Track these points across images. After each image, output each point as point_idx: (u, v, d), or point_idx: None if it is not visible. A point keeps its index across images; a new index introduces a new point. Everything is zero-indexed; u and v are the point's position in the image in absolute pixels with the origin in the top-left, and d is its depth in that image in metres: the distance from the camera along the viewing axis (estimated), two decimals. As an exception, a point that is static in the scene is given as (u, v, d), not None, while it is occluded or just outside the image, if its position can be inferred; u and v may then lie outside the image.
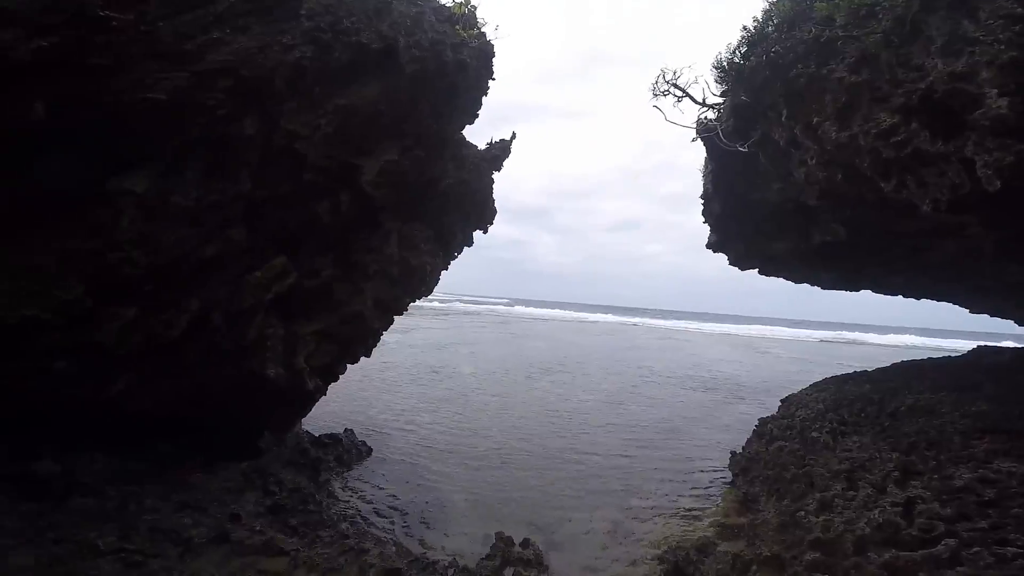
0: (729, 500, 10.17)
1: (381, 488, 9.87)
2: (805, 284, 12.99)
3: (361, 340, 9.61)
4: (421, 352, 28.41)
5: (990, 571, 4.74)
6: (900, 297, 11.86)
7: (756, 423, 12.53)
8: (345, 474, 10.29)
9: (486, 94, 8.21)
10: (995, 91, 3.97)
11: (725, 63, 8.32)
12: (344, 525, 7.89)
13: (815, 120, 6.40)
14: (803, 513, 7.03)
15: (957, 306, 11.63)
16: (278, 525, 6.96)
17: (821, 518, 6.53)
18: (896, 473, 7.01)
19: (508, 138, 9.28)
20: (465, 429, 14.37)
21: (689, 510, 9.69)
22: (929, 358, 12.72)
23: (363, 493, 9.57)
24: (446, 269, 10.03)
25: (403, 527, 8.40)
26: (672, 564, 7.03)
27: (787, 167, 7.92)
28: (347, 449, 11.01)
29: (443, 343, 33.67)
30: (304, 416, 11.32)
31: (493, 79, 8.18)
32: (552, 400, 19.16)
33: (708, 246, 12.35)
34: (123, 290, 6.13)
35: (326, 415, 13.66)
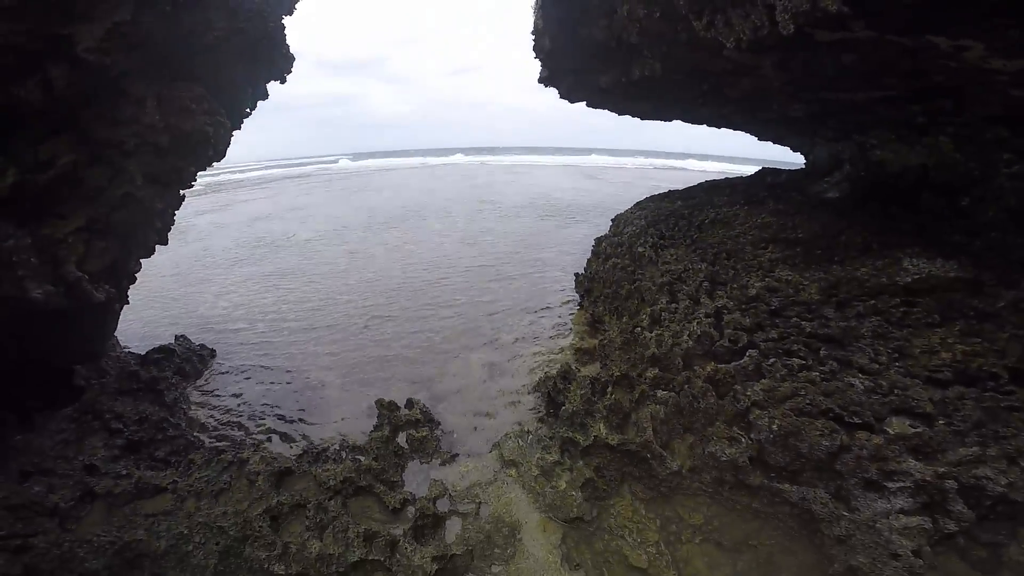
0: (580, 322, 11.12)
1: (240, 390, 9.15)
2: (627, 116, 13.48)
3: (147, 225, 7.88)
4: (244, 228, 25.05)
5: (785, 383, 5.39)
6: (705, 127, 13.04)
7: (592, 243, 13.39)
8: (194, 386, 9.32)
9: None
10: None
11: None
12: (215, 441, 7.39)
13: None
14: (639, 329, 7.69)
15: (749, 134, 13.21)
16: (145, 462, 6.40)
17: (654, 333, 7.14)
18: (706, 284, 7.87)
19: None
20: (315, 301, 13.39)
21: (551, 337, 10.44)
22: (726, 177, 14.55)
23: (222, 400, 8.83)
24: (238, 128, 8.26)
25: (278, 423, 8.01)
26: (546, 395, 7.59)
27: (612, 4, 7.47)
28: (185, 359, 9.85)
29: (269, 214, 30.01)
30: (112, 334, 9.64)
31: None
32: (407, 251, 18.53)
33: (540, 80, 11.91)
34: None
35: (146, 327, 12.04)
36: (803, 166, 12.44)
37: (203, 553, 4.87)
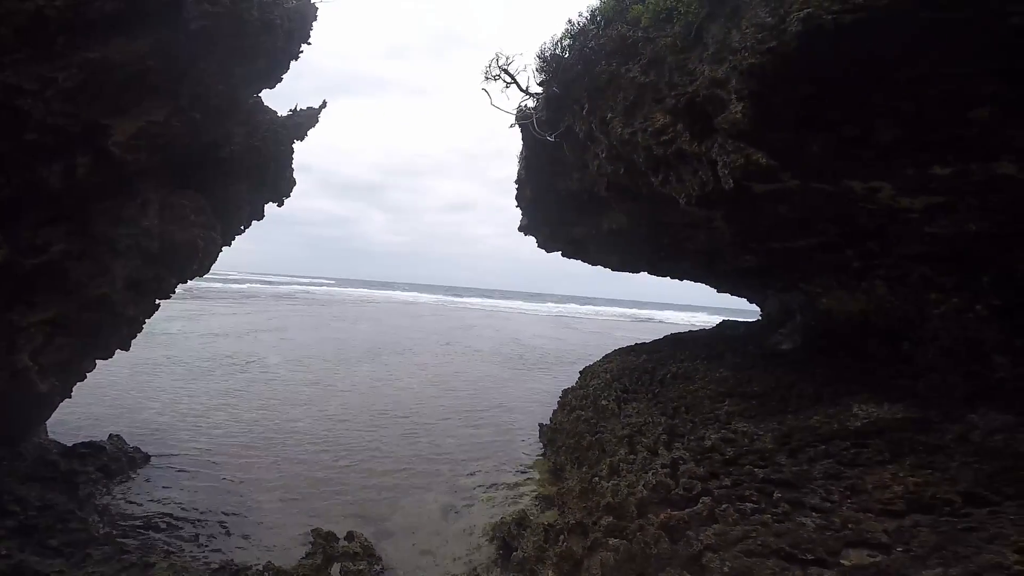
0: (542, 470, 11.05)
1: (169, 497, 8.68)
2: (599, 266, 14.64)
3: (113, 330, 7.90)
4: (215, 341, 24.88)
5: (737, 527, 5.40)
6: (669, 279, 14.22)
7: (560, 393, 13.69)
8: (116, 486, 8.88)
9: (296, 58, 7.29)
10: (734, 96, 4.69)
11: (547, 54, 8.63)
12: (122, 540, 6.80)
13: (608, 116, 7.02)
14: (597, 479, 7.69)
15: (708, 287, 14.40)
16: (32, 548, 5.95)
17: (611, 483, 7.17)
18: (664, 436, 8.07)
19: (317, 106, 8.37)
20: (273, 424, 13.07)
21: (511, 484, 10.29)
22: (689, 330, 15.38)
23: (142, 505, 8.32)
24: (228, 245, 8.77)
25: (199, 536, 7.47)
26: (500, 540, 7.40)
27: (584, 159, 8.66)
28: (114, 458, 9.51)
29: (245, 330, 29.89)
30: (42, 422, 9.51)
31: (309, 43, 7.33)
32: (376, 386, 18.48)
33: (520, 229, 13.05)
34: None
35: (84, 420, 11.60)
36: (758, 318, 13.26)
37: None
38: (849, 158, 4.57)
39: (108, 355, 8.94)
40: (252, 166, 7.75)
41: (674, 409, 8.99)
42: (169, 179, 6.96)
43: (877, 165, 4.54)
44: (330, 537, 7.16)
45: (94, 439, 9.83)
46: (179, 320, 29.62)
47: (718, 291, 14.39)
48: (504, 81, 9.30)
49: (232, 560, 6.57)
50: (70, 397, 9.43)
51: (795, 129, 4.44)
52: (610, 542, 5.83)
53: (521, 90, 9.47)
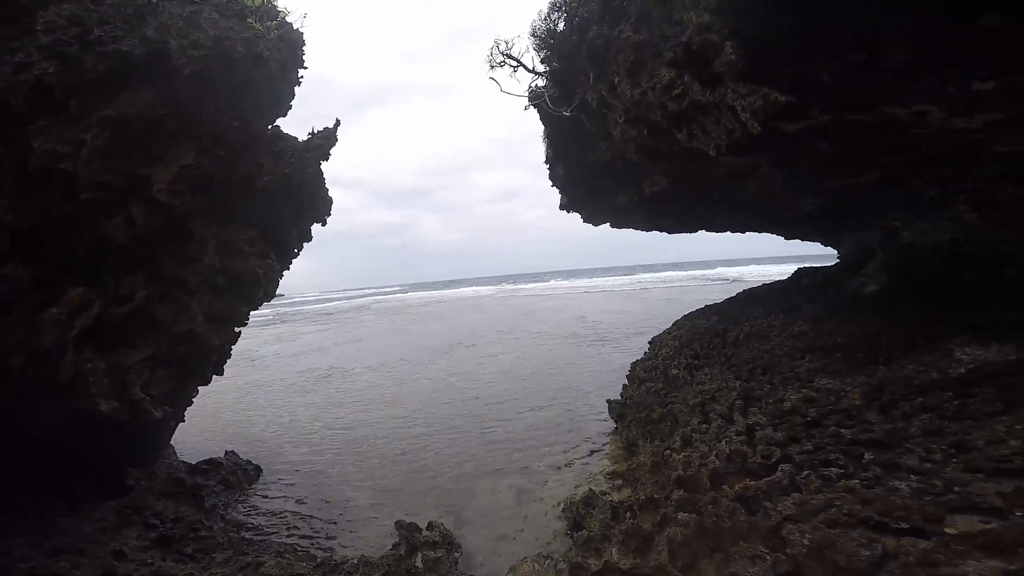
0: (614, 447, 10.92)
1: (279, 503, 9.65)
2: (654, 232, 14.06)
3: (204, 359, 8.80)
4: (305, 358, 27.03)
5: (820, 495, 5.00)
6: (731, 233, 13.36)
7: (629, 368, 13.37)
8: (235, 496, 9.93)
9: (298, 84, 7.67)
10: (724, 39, 4.31)
11: (540, 31, 8.43)
12: (242, 544, 7.68)
13: (615, 80, 6.71)
14: (669, 451, 7.42)
15: (776, 236, 13.37)
16: (172, 556, 6.80)
17: (683, 455, 6.86)
18: (739, 401, 7.59)
19: (331, 126, 8.74)
20: (360, 428, 14.06)
21: (584, 464, 10.31)
22: (762, 284, 14.32)
23: (259, 511, 9.30)
24: (287, 269, 9.39)
25: (306, 535, 8.29)
26: (570, 520, 7.43)
27: (606, 127, 8.31)
28: (231, 471, 10.57)
29: (328, 345, 32.14)
30: (165, 445, 10.80)
31: (304, 68, 7.66)
32: (450, 380, 19.17)
33: (561, 207, 12.84)
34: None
35: (204, 441, 13.11)
36: (837, 261, 12.14)
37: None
38: (870, 84, 4.02)
39: (206, 381, 9.95)
40: (288, 192, 8.24)
41: (749, 371, 8.43)
42: (217, 216, 7.59)
43: (909, 88, 3.96)
44: (413, 528, 7.55)
45: (214, 456, 10.98)
46: (272, 344, 32.57)
47: (786, 238, 13.32)
48: (510, 65, 9.13)
49: (331, 556, 7.18)
50: (183, 421, 10.78)
51: (797, 62, 3.97)
52: (680, 517, 5.57)
53: (529, 71, 9.24)
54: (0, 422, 6.67)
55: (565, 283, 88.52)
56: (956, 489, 4.45)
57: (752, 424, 6.69)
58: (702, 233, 13.99)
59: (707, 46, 4.72)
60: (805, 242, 13.70)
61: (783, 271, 18.32)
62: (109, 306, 7.29)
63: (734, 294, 14.45)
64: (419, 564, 6.67)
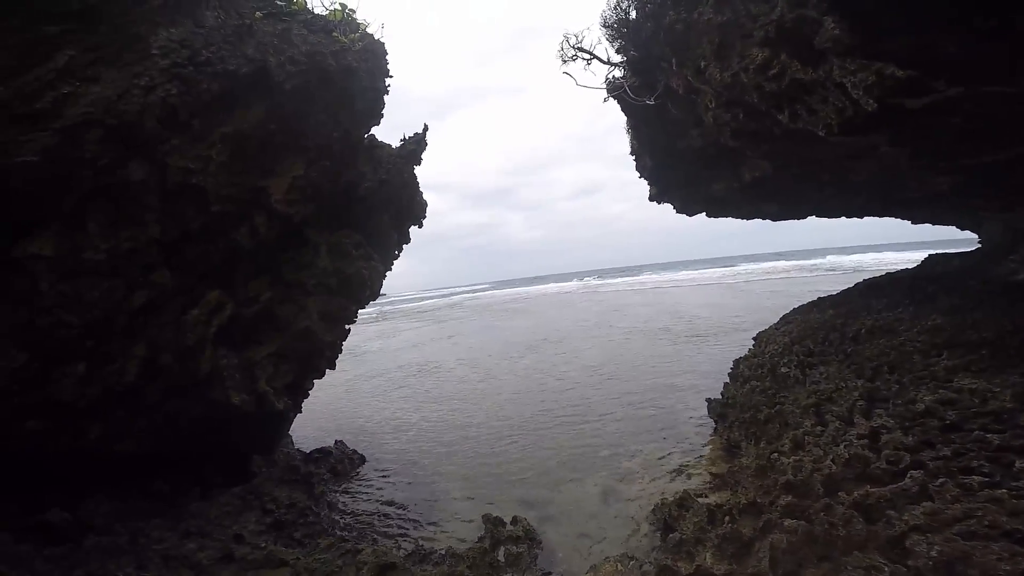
0: (713, 449, 10.27)
1: (378, 491, 10.13)
2: (755, 220, 13.12)
3: (319, 354, 9.68)
4: (404, 353, 28.46)
5: (957, 504, 4.53)
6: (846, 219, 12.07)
7: (731, 365, 12.64)
8: (341, 484, 10.53)
9: (386, 92, 8.15)
10: (824, 15, 3.92)
11: (610, 21, 8.22)
12: (343, 531, 8.24)
13: (701, 64, 6.38)
14: (777, 455, 6.99)
15: (899, 219, 11.84)
16: (283, 540, 7.38)
17: (792, 459, 6.45)
18: (861, 402, 7.00)
19: (420, 131, 9.21)
20: (454, 421, 14.54)
21: (678, 465, 9.78)
22: (887, 273, 12.80)
23: (360, 499, 9.85)
24: (389, 270, 10.02)
25: (401, 524, 8.65)
26: (661, 521, 7.09)
27: (696, 113, 7.93)
28: (339, 460, 11.30)
29: (424, 341, 33.65)
30: (284, 435, 11.75)
31: (390, 76, 8.13)
32: (537, 376, 19.25)
33: (650, 199, 12.43)
34: (65, 349, 6.31)
35: (316, 431, 14.13)
36: (978, 246, 10.52)
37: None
38: (1004, 52, 3.45)
39: (320, 375, 10.87)
40: (387, 198, 8.82)
41: (873, 370, 7.73)
42: (328, 223, 8.32)
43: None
44: (498, 522, 7.59)
45: (324, 445, 11.82)
46: (376, 340, 34.97)
47: (913, 222, 11.72)
48: (583, 59, 8.97)
49: (422, 546, 7.46)
50: (301, 412, 11.71)
51: (913, 33, 3.50)
52: (786, 523, 5.15)
53: (603, 62, 9.01)
54: (152, 415, 7.73)
55: (656, 276, 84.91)
56: None
57: (877, 427, 6.18)
58: (812, 220, 12.81)
59: (803, 22, 4.34)
60: (936, 227, 12.04)
61: (909, 259, 16.16)
62: (240, 308, 8.30)
63: (851, 285, 13.14)
64: (501, 558, 6.78)
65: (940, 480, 4.88)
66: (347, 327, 10.24)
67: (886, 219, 12.43)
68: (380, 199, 8.80)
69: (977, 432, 5.40)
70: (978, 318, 7.55)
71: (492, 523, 7.58)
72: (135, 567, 6.08)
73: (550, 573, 6.58)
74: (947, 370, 6.76)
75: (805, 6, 4.17)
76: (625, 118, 10.39)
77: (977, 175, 6.92)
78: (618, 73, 9.12)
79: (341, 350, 10.91)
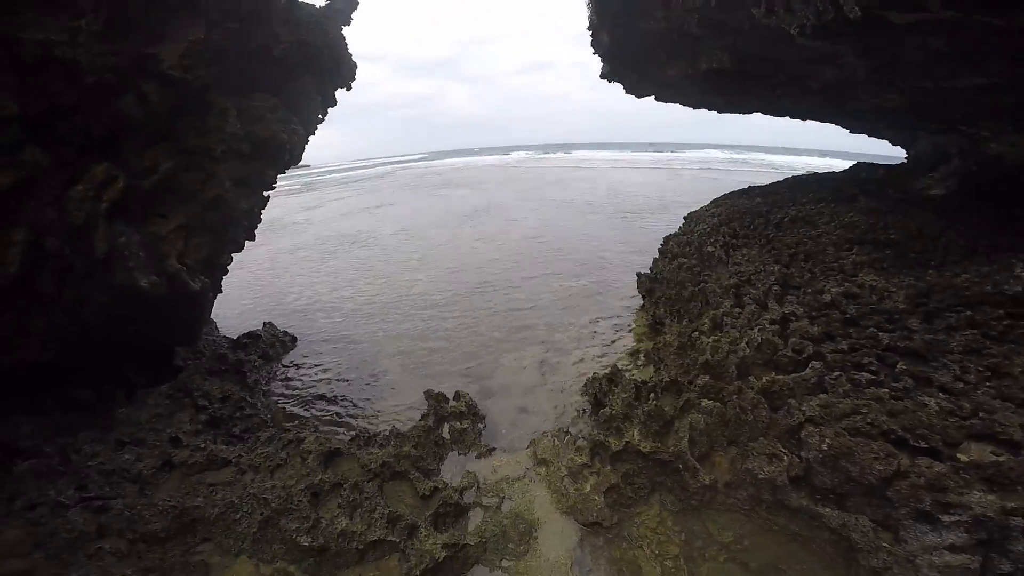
0: (640, 324, 10.75)
1: (314, 375, 9.84)
2: (702, 109, 12.79)
3: (235, 223, 8.85)
4: (333, 224, 27.03)
5: (847, 400, 4.95)
6: (789, 120, 12.01)
7: (661, 242, 12.85)
8: (274, 369, 10.11)
9: None
10: None
11: None
12: (284, 420, 7.99)
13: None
14: (697, 334, 7.30)
15: (840, 127, 11.98)
16: (222, 437, 7.10)
17: (712, 339, 6.73)
18: (776, 287, 7.31)
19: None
20: (389, 294, 14.16)
21: (607, 339, 10.18)
22: (815, 173, 13.26)
23: (295, 383, 9.54)
24: (312, 134, 8.95)
25: (341, 407, 8.58)
26: (592, 396, 7.47)
27: (666, -7, 7.12)
28: (269, 344, 10.72)
29: (354, 210, 32.05)
30: (206, 321, 10.97)
31: None
32: (476, 246, 18.98)
33: (602, 76, 11.66)
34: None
35: (241, 313, 13.36)
36: (904, 161, 11.05)
37: (247, 522, 5.34)
38: None
39: (239, 248, 9.92)
40: (308, 59, 7.55)
41: (791, 256, 8.05)
42: (237, 88, 7.06)
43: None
44: (440, 398, 7.69)
45: (252, 329, 11.01)
46: (300, 211, 32.59)
47: (851, 132, 11.94)
48: None
49: (366, 428, 7.46)
50: (222, 292, 10.78)
51: None
52: (703, 403, 5.74)
53: None
54: (50, 312, 6.91)
55: (596, 154, 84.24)
56: (981, 415, 4.43)
57: (788, 314, 6.55)
58: (749, 120, 12.62)
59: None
60: (867, 140, 12.34)
61: (835, 166, 16.81)
62: (134, 179, 7.20)
63: (780, 179, 13.49)
64: (446, 435, 6.99)
65: (836, 373, 5.30)
66: (266, 194, 9.29)
67: (823, 126, 12.53)
68: (299, 61, 7.50)
69: (871, 329, 5.81)
70: (890, 221, 7.95)
71: (435, 399, 7.68)
72: (75, 488, 5.73)
73: (494, 448, 6.90)
74: (854, 264, 7.11)
75: None
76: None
77: (929, 97, 6.91)
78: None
79: (260, 219, 10.00)
